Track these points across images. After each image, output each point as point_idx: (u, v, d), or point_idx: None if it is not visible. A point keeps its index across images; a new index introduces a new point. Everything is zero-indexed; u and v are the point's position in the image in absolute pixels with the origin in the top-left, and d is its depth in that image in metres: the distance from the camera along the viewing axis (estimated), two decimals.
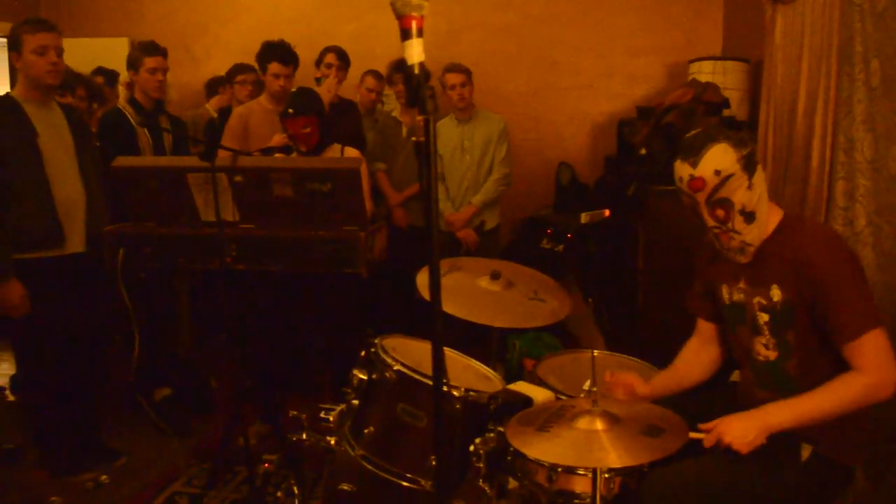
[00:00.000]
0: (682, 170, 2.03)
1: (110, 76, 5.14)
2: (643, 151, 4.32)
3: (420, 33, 1.36)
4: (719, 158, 1.98)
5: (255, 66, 4.48)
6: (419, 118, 1.35)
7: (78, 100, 4.22)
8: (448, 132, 4.67)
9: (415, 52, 1.36)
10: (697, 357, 2.40)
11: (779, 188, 3.53)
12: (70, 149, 3.32)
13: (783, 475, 2.00)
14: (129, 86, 4.14)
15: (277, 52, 4.22)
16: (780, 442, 1.94)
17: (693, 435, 1.92)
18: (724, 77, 4.51)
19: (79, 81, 4.31)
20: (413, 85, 1.36)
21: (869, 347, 1.92)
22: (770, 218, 2.09)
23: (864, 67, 2.72)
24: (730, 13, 5.44)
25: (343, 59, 4.72)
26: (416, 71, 1.36)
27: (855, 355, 1.93)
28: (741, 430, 1.92)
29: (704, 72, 4.57)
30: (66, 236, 3.26)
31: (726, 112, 4.27)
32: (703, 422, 2.00)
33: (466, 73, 4.59)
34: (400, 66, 4.88)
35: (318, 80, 4.68)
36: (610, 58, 5.73)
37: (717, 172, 1.98)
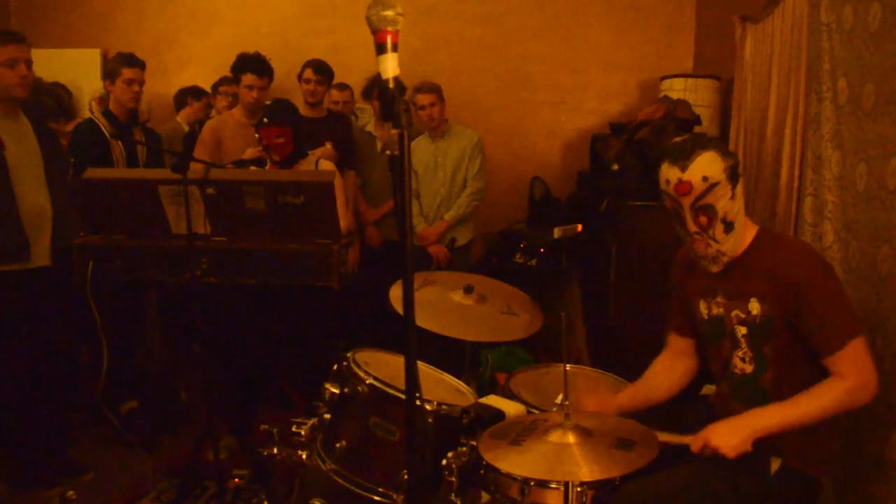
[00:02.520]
0: (671, 173, 2.05)
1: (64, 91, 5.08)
2: (615, 167, 4.36)
3: (395, 48, 1.37)
4: (708, 165, 2.01)
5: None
6: (394, 132, 1.36)
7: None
8: (422, 149, 4.68)
9: (390, 66, 1.37)
10: (668, 371, 2.42)
11: (749, 204, 3.57)
12: (38, 161, 3.28)
13: (752, 488, 2.02)
14: (102, 100, 4.10)
15: (252, 63, 4.21)
16: (750, 455, 1.95)
17: (661, 437, 1.93)
18: (696, 94, 4.56)
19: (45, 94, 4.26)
20: (388, 99, 1.36)
21: (852, 356, 1.95)
22: (746, 231, 2.12)
23: (832, 86, 2.76)
24: (701, 31, 5.51)
25: (321, 73, 4.69)
26: (391, 85, 1.36)
27: (838, 363, 1.96)
28: (728, 434, 1.94)
29: (676, 89, 4.62)
30: (32, 249, 3.21)
31: (697, 129, 4.31)
32: (674, 433, 2.02)
33: (436, 91, 4.60)
34: (379, 80, 4.88)
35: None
36: (584, 73, 5.77)
37: (705, 179, 2.01)
